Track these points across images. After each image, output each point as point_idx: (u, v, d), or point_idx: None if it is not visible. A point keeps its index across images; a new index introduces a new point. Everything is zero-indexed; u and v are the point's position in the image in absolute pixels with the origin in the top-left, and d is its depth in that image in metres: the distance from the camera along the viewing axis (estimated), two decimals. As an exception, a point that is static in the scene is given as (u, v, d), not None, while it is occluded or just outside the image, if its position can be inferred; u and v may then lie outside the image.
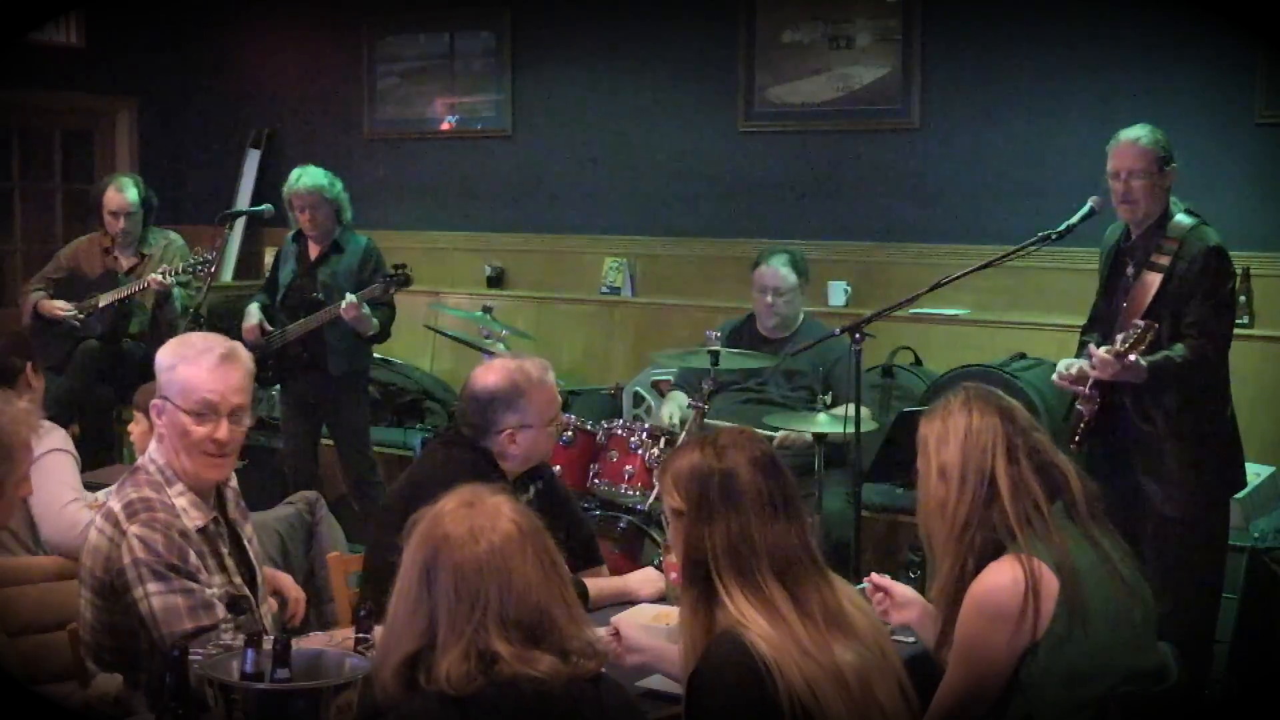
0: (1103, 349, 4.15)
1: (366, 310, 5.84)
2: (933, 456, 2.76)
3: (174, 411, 3.04)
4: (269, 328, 6.09)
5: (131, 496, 3.02)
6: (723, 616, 2.38)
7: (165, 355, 3.10)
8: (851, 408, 5.27)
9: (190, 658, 2.48)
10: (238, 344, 3.15)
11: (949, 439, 2.75)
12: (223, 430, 3.03)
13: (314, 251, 6.15)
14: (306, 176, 6.08)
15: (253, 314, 6.14)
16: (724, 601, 2.38)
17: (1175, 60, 6.03)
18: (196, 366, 3.05)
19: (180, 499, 3.04)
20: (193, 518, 3.03)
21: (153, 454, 3.10)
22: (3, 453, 2.73)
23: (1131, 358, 4.03)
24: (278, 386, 6.38)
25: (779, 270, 5.56)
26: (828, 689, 2.29)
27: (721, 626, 2.38)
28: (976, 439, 2.73)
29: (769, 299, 5.55)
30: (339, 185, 6.11)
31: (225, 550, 3.09)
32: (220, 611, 2.93)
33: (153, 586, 2.91)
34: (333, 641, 2.82)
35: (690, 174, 7.34)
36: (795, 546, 2.42)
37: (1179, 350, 4.15)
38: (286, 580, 3.58)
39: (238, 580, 3.08)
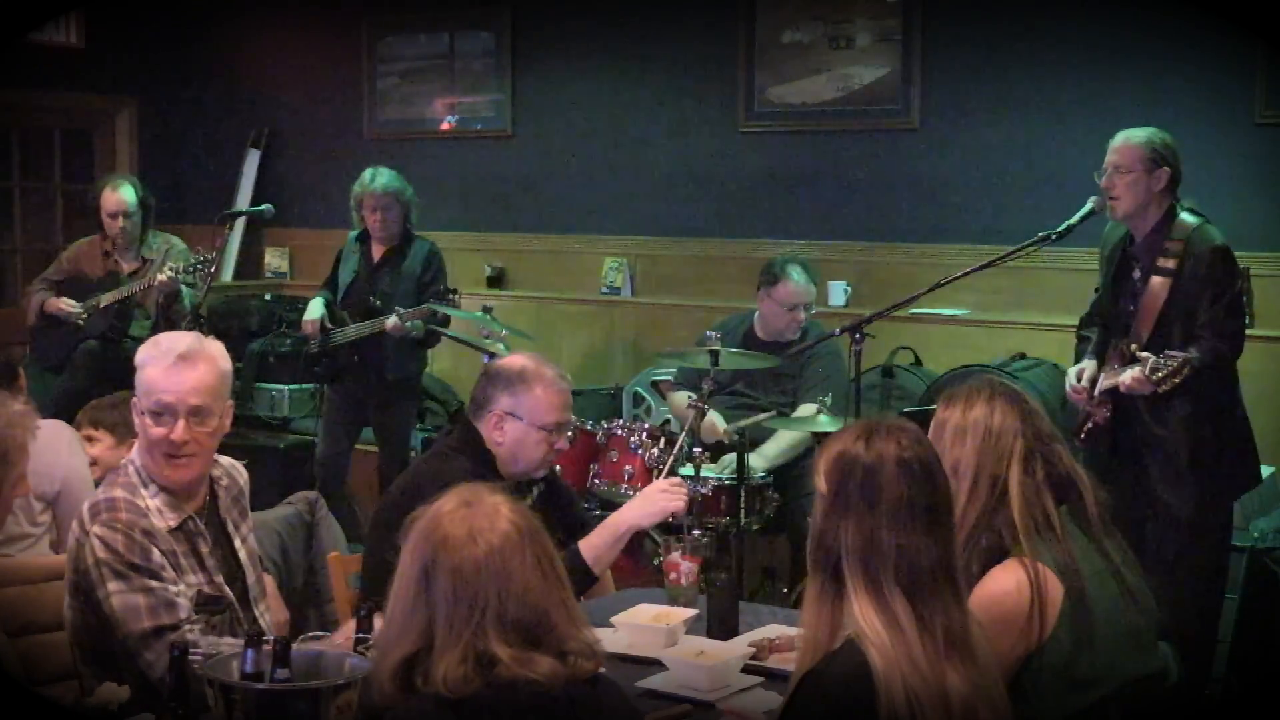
0: (1133, 371, 4.14)
1: (409, 324, 5.93)
2: (947, 448, 2.72)
3: (138, 411, 3.06)
4: (329, 325, 6.14)
5: (99, 497, 3.03)
6: (848, 615, 2.25)
7: (139, 354, 3.10)
8: (810, 407, 5.32)
9: (190, 657, 2.48)
10: (211, 344, 3.11)
11: (966, 435, 2.72)
12: (178, 431, 3.00)
13: (377, 253, 6.22)
14: (381, 177, 6.15)
15: (314, 309, 6.22)
16: (850, 599, 2.25)
17: (1175, 60, 6.02)
18: (156, 367, 3.03)
19: (154, 500, 3.03)
20: (165, 518, 3.02)
21: (134, 454, 3.11)
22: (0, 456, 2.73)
23: (1165, 386, 4.04)
24: (290, 383, 6.44)
25: (809, 286, 5.55)
26: (929, 713, 2.18)
27: (846, 627, 2.26)
28: (995, 443, 2.70)
29: (799, 315, 5.55)
30: (410, 189, 6.19)
31: (205, 549, 3.08)
32: (183, 611, 2.92)
33: (113, 586, 2.92)
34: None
35: (690, 174, 7.34)
36: (927, 560, 2.24)
37: (1195, 356, 4.14)
38: (274, 604, 3.51)
39: (218, 579, 3.07)
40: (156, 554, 2.96)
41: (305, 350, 6.40)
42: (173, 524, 3.03)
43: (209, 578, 3.06)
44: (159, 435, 3.01)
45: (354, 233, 6.33)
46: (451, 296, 6.00)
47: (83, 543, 2.97)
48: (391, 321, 5.90)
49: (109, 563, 2.92)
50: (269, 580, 3.48)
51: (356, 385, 6.20)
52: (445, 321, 6.21)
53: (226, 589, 3.08)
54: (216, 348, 3.11)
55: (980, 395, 2.76)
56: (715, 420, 5.31)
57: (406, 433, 6.38)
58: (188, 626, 2.90)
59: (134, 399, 3.09)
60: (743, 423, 5.11)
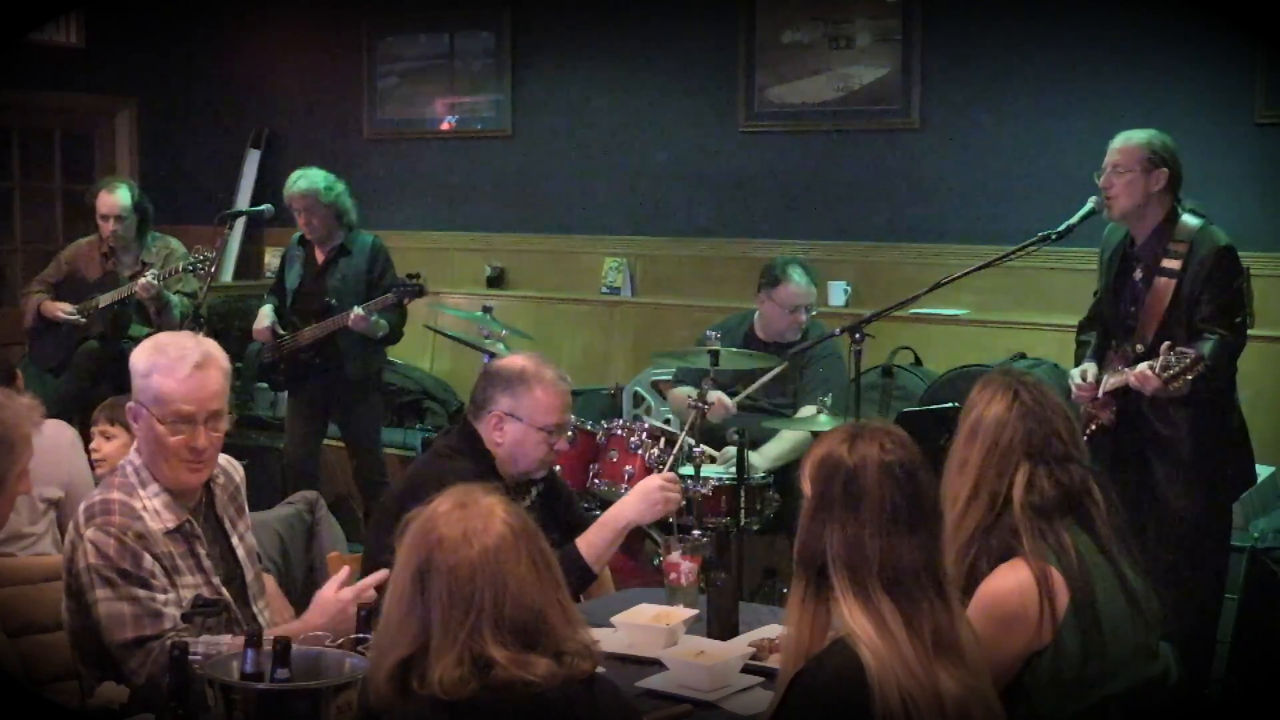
0: (1142, 368, 4.13)
1: (374, 317, 5.87)
2: (962, 440, 2.72)
3: (149, 419, 3.01)
4: (280, 331, 6.10)
5: (94, 499, 3.02)
6: (836, 617, 2.26)
7: (141, 360, 3.04)
8: (810, 408, 5.32)
9: (190, 657, 2.48)
10: (212, 346, 3.10)
11: (977, 436, 2.71)
12: (200, 438, 3.00)
13: (321, 255, 6.14)
14: (303, 179, 6.08)
15: (265, 316, 6.15)
16: (838, 601, 2.25)
17: (1175, 60, 6.03)
18: (171, 377, 3.00)
19: (154, 500, 3.01)
20: (164, 519, 3.01)
21: (131, 455, 3.08)
22: (4, 446, 2.73)
23: (1175, 384, 4.03)
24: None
25: (810, 288, 5.54)
26: (924, 713, 2.18)
27: (834, 628, 2.26)
28: (1000, 458, 2.68)
29: (800, 316, 5.54)
30: (339, 188, 6.09)
31: (204, 550, 3.06)
32: (168, 622, 2.89)
33: (101, 592, 2.90)
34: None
35: (690, 174, 7.34)
36: (910, 562, 2.25)
37: (1208, 348, 4.14)
38: (278, 603, 3.47)
39: (216, 580, 3.05)
40: (148, 559, 2.94)
41: (260, 360, 6.32)
42: (170, 525, 3.02)
43: (207, 578, 3.04)
44: (178, 444, 2.99)
45: (296, 235, 6.26)
46: (416, 283, 5.91)
47: (76, 545, 2.97)
48: (355, 314, 5.82)
49: (98, 568, 2.91)
50: (269, 580, 3.48)
51: (317, 387, 6.13)
52: (404, 316, 6.13)
53: (224, 590, 3.07)
54: (218, 349, 3.10)
55: (1005, 396, 2.72)
56: (722, 397, 5.29)
57: (375, 430, 6.32)
58: (173, 636, 2.85)
59: (131, 403, 3.06)
60: (745, 391, 5.08)
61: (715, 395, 5.17)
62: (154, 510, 3.01)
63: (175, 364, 3.01)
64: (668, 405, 6.16)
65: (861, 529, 2.26)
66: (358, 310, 5.82)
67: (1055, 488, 2.68)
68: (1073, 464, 2.71)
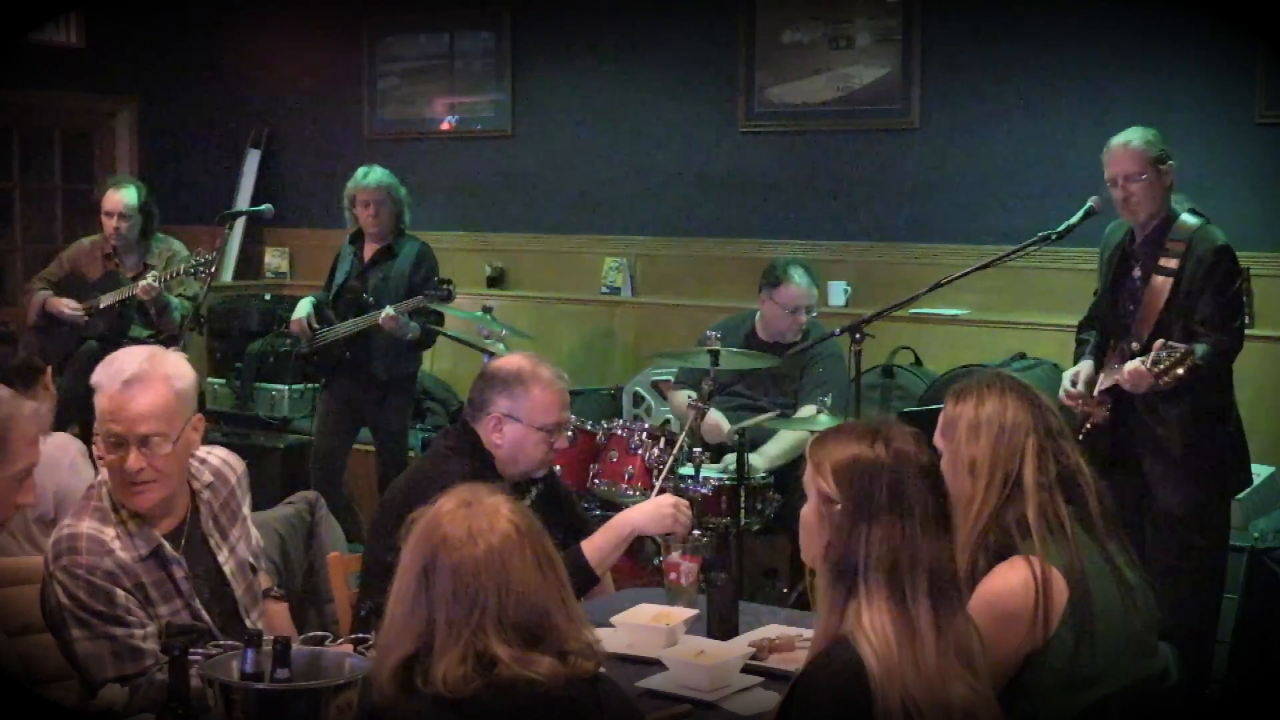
0: (1133, 365, 4.13)
1: (404, 319, 5.92)
2: (963, 445, 2.70)
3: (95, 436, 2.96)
4: (315, 325, 6.16)
5: (63, 532, 2.91)
6: (851, 618, 2.22)
7: (93, 375, 2.97)
8: (810, 408, 5.33)
9: (190, 657, 2.48)
10: (164, 359, 2.97)
11: (980, 431, 2.69)
12: (131, 459, 2.86)
13: (369, 253, 6.23)
14: (374, 174, 6.20)
15: (302, 308, 6.23)
16: (860, 604, 2.21)
17: (1175, 60, 6.02)
18: (104, 393, 2.90)
19: (124, 526, 2.91)
20: (136, 546, 2.91)
21: (104, 472, 2.99)
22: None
23: (1166, 379, 4.03)
24: (290, 383, 6.45)
25: (810, 289, 5.55)
26: (926, 716, 2.16)
27: (844, 630, 2.23)
28: (1009, 439, 2.67)
29: (801, 317, 5.54)
30: (403, 189, 6.23)
31: (181, 574, 2.95)
32: (149, 659, 2.82)
33: (76, 632, 2.84)
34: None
35: (690, 174, 7.34)
36: (951, 565, 2.25)
37: (1201, 351, 4.14)
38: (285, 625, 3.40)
39: (195, 604, 2.96)
40: (121, 595, 2.85)
41: (297, 350, 6.42)
42: (143, 552, 2.92)
43: (185, 602, 2.95)
44: (114, 463, 2.89)
45: (349, 234, 6.34)
46: (446, 288, 5.97)
47: (48, 583, 2.89)
48: (385, 314, 5.88)
49: (71, 609, 2.84)
50: (281, 608, 3.36)
51: (349, 384, 6.19)
52: (440, 320, 6.20)
53: (203, 614, 2.97)
54: (172, 364, 2.97)
55: (992, 391, 2.73)
56: (719, 420, 5.30)
57: (402, 432, 6.35)
58: (155, 670, 2.80)
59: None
60: (746, 423, 5.11)
61: (713, 418, 5.18)
62: (126, 536, 2.91)
63: (111, 379, 2.91)
64: (668, 405, 6.17)
65: (913, 532, 2.23)
66: (389, 310, 5.88)
67: (1057, 466, 2.68)
68: (1066, 440, 2.73)
